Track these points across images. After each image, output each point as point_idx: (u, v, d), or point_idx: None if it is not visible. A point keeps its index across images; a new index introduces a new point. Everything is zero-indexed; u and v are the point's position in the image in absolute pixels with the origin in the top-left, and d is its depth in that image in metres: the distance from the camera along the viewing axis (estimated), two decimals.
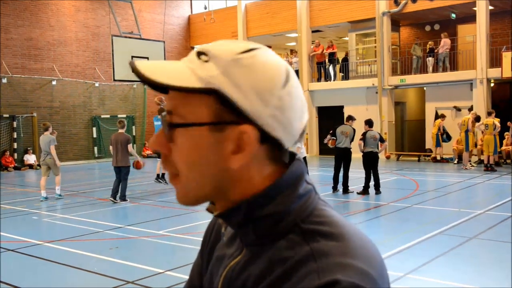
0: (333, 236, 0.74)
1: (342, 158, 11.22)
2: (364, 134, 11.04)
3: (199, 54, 0.77)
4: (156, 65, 0.77)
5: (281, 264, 0.73)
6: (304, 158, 11.72)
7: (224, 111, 0.74)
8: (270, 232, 0.77)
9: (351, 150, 11.31)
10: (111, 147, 10.95)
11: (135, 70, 0.76)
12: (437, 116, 18.84)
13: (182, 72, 0.76)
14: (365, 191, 11.02)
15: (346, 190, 11.27)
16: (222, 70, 0.74)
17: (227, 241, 0.88)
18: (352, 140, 11.21)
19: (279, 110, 0.76)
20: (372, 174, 11.04)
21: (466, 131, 16.00)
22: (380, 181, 11.25)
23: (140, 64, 0.76)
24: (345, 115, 12.61)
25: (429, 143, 19.82)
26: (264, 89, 0.75)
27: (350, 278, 0.69)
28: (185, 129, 0.76)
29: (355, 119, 11.60)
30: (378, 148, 11.14)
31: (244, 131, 0.74)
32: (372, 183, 11.05)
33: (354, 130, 11.32)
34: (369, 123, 11.26)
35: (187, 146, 0.76)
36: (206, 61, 0.76)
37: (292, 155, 0.82)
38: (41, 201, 11.24)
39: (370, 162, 10.99)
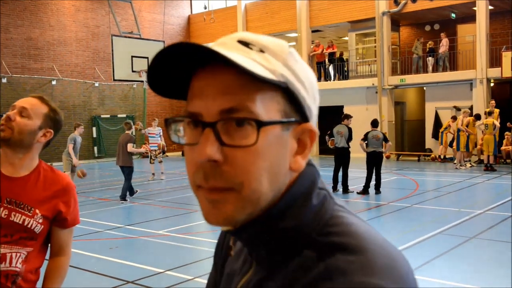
0: (352, 249, 0.64)
1: (340, 157, 11.22)
2: (366, 134, 11.07)
3: (246, 43, 0.70)
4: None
5: (296, 285, 0.66)
6: None
7: (289, 108, 0.70)
8: (283, 249, 0.70)
9: (349, 149, 11.29)
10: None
11: (207, 50, 0.64)
12: (437, 116, 18.85)
13: (248, 61, 0.66)
14: (365, 191, 11.03)
15: (346, 190, 11.27)
16: (283, 64, 0.69)
17: (235, 255, 0.82)
18: (349, 139, 11.16)
19: (317, 109, 0.76)
20: (374, 174, 11.05)
21: (458, 131, 16.03)
22: (380, 181, 11.25)
23: (213, 48, 0.65)
24: None
25: (429, 143, 19.83)
26: (314, 87, 0.74)
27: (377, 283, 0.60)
28: (261, 128, 0.66)
29: (351, 117, 11.58)
30: (382, 148, 11.13)
31: (309, 129, 0.71)
32: (373, 182, 11.06)
33: (349, 129, 11.26)
34: (372, 123, 11.31)
35: (263, 148, 0.66)
36: (262, 52, 0.69)
37: None
38: None
39: (373, 162, 11.01)
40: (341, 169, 11.32)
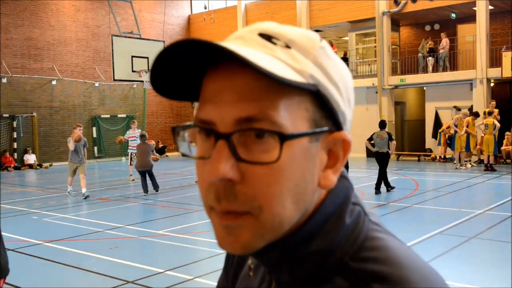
0: (391, 279, 0.56)
1: None
2: (372, 134, 11.27)
3: (269, 37, 0.60)
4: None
5: None
6: None
7: (319, 114, 0.60)
8: (310, 275, 0.61)
9: None
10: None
11: (218, 48, 0.53)
12: (437, 116, 18.84)
13: (271, 61, 0.56)
14: (387, 188, 11.23)
15: None
16: (313, 62, 0.59)
17: (253, 270, 0.74)
18: None
19: (352, 113, 0.66)
20: (378, 173, 11.18)
21: (455, 131, 16.05)
22: (381, 182, 11.25)
23: (228, 45, 0.54)
24: None
25: (429, 143, 19.83)
26: (350, 87, 0.64)
27: None
28: (285, 143, 0.56)
29: None
30: (387, 148, 11.22)
31: (343, 138, 0.62)
32: (373, 182, 11.13)
33: None
34: (380, 124, 11.55)
35: (286, 165, 0.57)
36: (288, 47, 0.59)
37: None
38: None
39: (378, 162, 11.17)
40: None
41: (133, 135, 14.59)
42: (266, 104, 0.55)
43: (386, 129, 11.48)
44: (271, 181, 0.56)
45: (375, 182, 11.10)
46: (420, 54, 20.13)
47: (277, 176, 0.56)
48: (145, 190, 12.06)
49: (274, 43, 0.59)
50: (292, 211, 0.59)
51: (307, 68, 0.58)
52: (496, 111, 15.81)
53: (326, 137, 0.61)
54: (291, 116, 0.57)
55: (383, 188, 11.26)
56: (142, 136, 12.63)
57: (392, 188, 11.34)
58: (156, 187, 12.19)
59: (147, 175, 12.12)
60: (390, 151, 11.20)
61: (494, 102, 15.94)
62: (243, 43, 0.59)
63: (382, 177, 11.10)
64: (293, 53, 0.59)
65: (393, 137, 11.38)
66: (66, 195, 11.96)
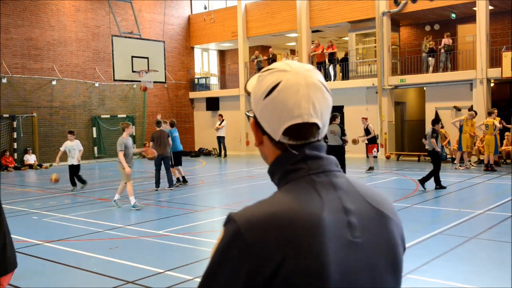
0: (263, 200, 1.06)
1: (334, 155, 11.75)
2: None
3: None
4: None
5: None
6: None
7: None
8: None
9: (343, 146, 12.29)
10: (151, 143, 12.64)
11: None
12: (437, 117, 18.87)
13: None
14: (436, 186, 11.47)
15: None
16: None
17: None
18: (342, 135, 12.08)
19: (263, 113, 1.13)
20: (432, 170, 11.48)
21: (460, 131, 16.05)
22: (380, 181, 11.29)
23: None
24: (345, 115, 12.96)
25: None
26: (255, 98, 1.15)
27: (233, 213, 1.05)
28: None
29: (338, 116, 12.66)
30: (432, 145, 11.41)
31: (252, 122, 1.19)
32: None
33: (341, 127, 12.31)
34: (432, 121, 11.83)
35: None
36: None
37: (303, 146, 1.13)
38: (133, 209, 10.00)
39: (431, 159, 11.52)
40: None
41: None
42: None
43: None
44: None
45: (433, 178, 11.40)
46: (424, 54, 20.10)
47: None
48: (158, 184, 12.52)
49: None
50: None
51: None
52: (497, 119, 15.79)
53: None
54: None
55: (429, 184, 11.58)
56: (158, 123, 12.84)
57: (442, 187, 11.43)
58: (170, 183, 12.57)
59: (162, 168, 12.46)
60: (437, 149, 11.32)
61: (496, 110, 15.90)
62: None
63: (432, 174, 11.32)
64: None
65: (434, 134, 11.41)
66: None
